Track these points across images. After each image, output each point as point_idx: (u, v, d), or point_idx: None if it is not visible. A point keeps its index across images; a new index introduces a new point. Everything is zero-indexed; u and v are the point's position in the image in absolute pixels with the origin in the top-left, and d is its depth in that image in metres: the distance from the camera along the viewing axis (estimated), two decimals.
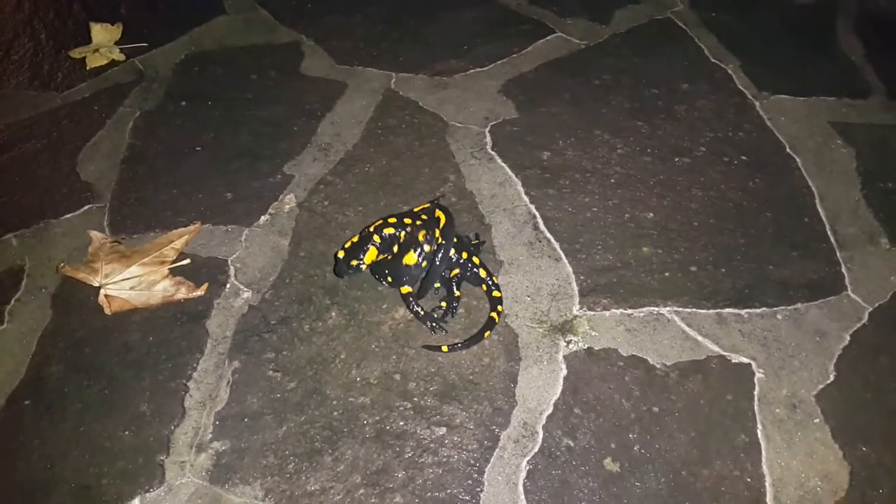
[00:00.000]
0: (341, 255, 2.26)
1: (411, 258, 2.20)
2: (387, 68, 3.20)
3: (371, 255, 2.26)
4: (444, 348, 2.15)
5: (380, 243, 2.27)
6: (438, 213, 2.29)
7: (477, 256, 2.30)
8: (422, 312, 2.21)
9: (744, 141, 2.82)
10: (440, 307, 2.27)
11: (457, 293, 2.26)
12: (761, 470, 1.91)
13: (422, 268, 2.23)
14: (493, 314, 2.20)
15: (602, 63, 3.20)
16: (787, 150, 2.78)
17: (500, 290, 2.25)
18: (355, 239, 2.30)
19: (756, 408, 2.03)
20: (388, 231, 2.28)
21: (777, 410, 2.03)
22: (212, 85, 3.18)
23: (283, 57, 3.30)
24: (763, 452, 1.94)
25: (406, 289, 2.23)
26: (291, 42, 3.39)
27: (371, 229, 2.30)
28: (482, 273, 2.26)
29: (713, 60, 3.20)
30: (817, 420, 2.01)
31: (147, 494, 1.92)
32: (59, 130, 3.01)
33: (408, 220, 2.27)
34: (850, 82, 3.09)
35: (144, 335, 2.26)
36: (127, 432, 2.05)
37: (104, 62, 3.32)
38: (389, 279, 2.24)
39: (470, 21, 3.48)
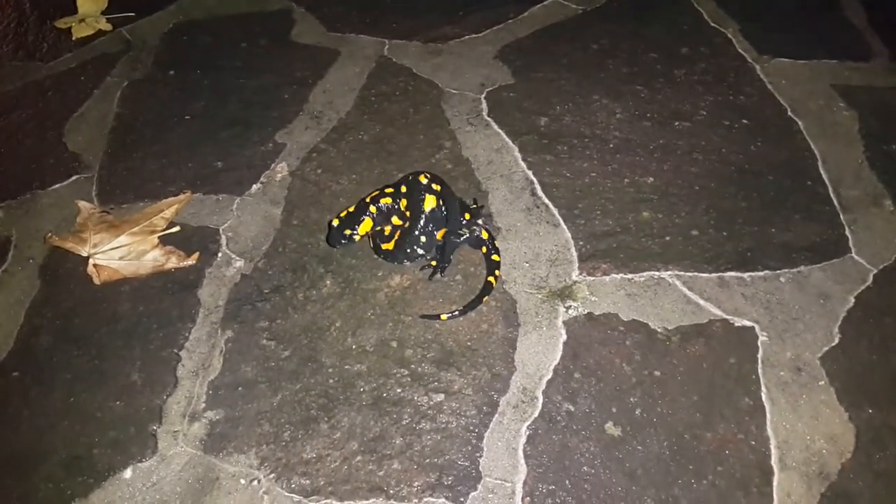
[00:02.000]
0: (336, 223, 2.21)
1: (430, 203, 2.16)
2: (380, 35, 3.13)
3: (366, 225, 2.22)
4: (444, 317, 2.11)
5: (376, 214, 2.23)
6: (422, 177, 2.23)
7: (479, 218, 2.25)
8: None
9: (744, 104, 2.77)
10: (429, 265, 2.23)
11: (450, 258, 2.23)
12: (766, 433, 1.88)
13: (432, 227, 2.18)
14: (491, 278, 2.15)
15: (600, 28, 3.13)
16: (789, 113, 2.73)
17: (499, 254, 2.20)
18: (351, 209, 2.25)
19: (760, 371, 1.99)
20: (385, 201, 2.23)
21: (781, 373, 1.99)
22: (201, 54, 3.11)
23: (274, 25, 3.23)
24: (767, 415, 1.91)
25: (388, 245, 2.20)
26: (282, 9, 3.31)
27: (367, 199, 2.25)
28: (484, 234, 2.21)
29: (712, 24, 3.13)
30: (822, 382, 1.98)
31: (140, 464, 1.89)
32: (46, 101, 2.94)
33: (404, 188, 2.22)
34: (851, 45, 3.03)
35: (134, 305, 2.21)
36: (118, 402, 2.01)
37: (90, 32, 3.25)
38: (406, 250, 2.19)
39: None
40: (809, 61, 2.94)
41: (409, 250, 2.18)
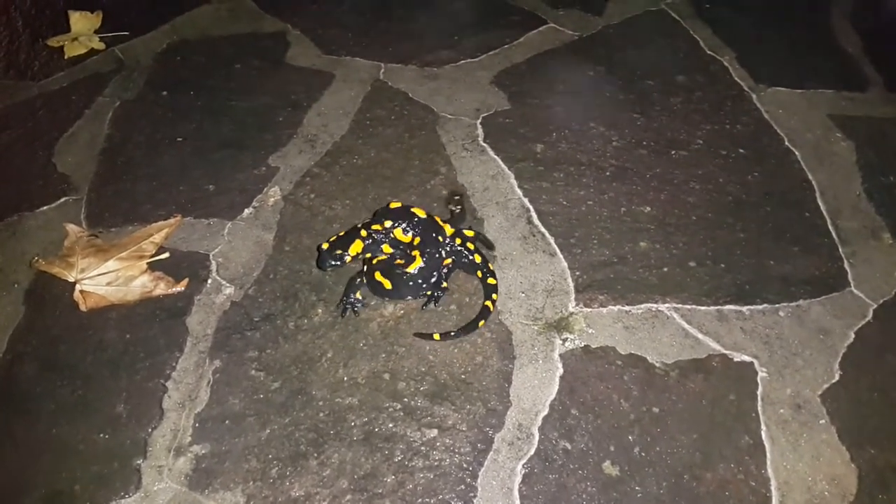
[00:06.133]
0: (325, 246, 2.17)
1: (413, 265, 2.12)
2: (375, 59, 3.11)
3: (356, 247, 2.17)
4: (437, 336, 2.07)
5: (366, 237, 2.18)
6: (416, 210, 2.20)
7: (472, 243, 2.22)
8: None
9: (741, 134, 2.76)
10: (424, 295, 2.18)
11: (444, 284, 2.18)
12: (766, 473, 1.84)
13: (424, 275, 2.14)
14: (488, 303, 2.11)
15: (595, 54, 3.12)
16: (786, 143, 2.72)
17: (495, 278, 2.17)
18: (342, 233, 2.21)
19: (760, 408, 1.96)
20: (376, 227, 2.19)
21: (781, 411, 1.96)
22: (194, 74, 3.07)
23: (268, 46, 3.20)
24: (768, 455, 1.87)
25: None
26: (277, 31, 3.29)
27: (359, 225, 2.21)
28: (477, 259, 2.18)
29: (709, 52, 3.13)
30: (823, 421, 1.94)
31: (122, 500, 1.83)
32: (36, 121, 2.90)
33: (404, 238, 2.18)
34: (847, 74, 3.03)
35: (121, 333, 2.16)
36: (102, 435, 1.95)
37: (83, 51, 3.22)
38: (389, 287, 2.14)
39: (460, 11, 3.40)
40: (806, 90, 2.94)
41: (412, 284, 2.14)
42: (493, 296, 2.14)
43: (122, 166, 2.68)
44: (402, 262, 2.15)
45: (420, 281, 2.13)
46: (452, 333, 2.08)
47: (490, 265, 2.20)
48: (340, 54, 3.14)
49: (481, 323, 2.09)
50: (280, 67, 3.09)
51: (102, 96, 2.99)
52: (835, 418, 1.94)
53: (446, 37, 3.22)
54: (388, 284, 2.12)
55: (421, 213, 2.18)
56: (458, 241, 2.21)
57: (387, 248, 2.21)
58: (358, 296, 2.18)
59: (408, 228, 2.15)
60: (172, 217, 2.46)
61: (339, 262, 2.17)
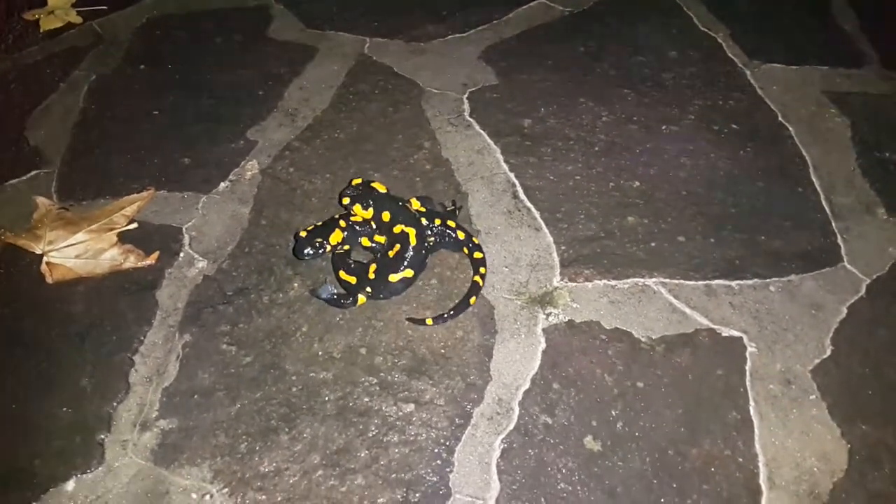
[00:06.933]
0: (304, 234, 2.07)
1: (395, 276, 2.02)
2: (360, 33, 3.03)
3: (336, 236, 2.07)
4: (429, 321, 1.99)
5: (346, 227, 2.10)
6: (377, 184, 2.11)
7: (452, 220, 2.14)
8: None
9: (734, 109, 2.68)
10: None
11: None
12: (754, 449, 1.77)
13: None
14: (477, 278, 2.04)
15: (586, 30, 3.04)
16: (780, 118, 2.64)
17: (481, 251, 2.10)
18: (319, 223, 2.12)
19: (748, 383, 1.89)
20: (357, 219, 2.10)
21: (770, 386, 1.89)
22: (173, 49, 2.99)
23: (251, 21, 3.12)
24: (756, 431, 1.80)
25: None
26: (259, 6, 3.20)
27: (337, 216, 2.13)
28: (460, 235, 2.10)
29: (702, 29, 3.05)
30: (813, 396, 1.87)
31: (84, 476, 1.76)
32: (8, 94, 2.82)
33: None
34: (843, 51, 2.95)
35: (88, 306, 2.08)
36: (65, 409, 1.88)
37: (59, 24, 3.12)
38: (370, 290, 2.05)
39: None
40: (801, 67, 2.87)
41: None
42: (482, 269, 2.07)
43: (96, 140, 2.60)
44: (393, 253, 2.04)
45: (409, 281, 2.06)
46: (446, 316, 2.00)
47: (475, 239, 2.13)
48: (324, 28, 3.05)
49: (472, 300, 2.02)
50: (262, 42, 3.01)
51: (78, 70, 2.90)
52: (826, 394, 1.87)
53: (434, 12, 3.13)
54: (372, 276, 2.04)
55: (381, 189, 2.09)
56: (437, 221, 2.12)
57: (365, 242, 2.14)
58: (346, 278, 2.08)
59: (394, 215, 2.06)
60: (145, 190, 2.38)
61: (317, 251, 2.08)
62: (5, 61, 2.95)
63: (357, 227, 2.11)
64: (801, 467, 1.74)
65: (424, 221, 2.09)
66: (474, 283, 2.05)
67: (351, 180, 2.13)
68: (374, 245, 2.13)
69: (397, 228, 2.04)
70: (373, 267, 2.04)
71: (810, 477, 1.73)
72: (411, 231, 2.02)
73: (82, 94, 2.79)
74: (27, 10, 3.14)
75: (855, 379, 1.91)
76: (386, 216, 2.05)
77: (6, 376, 1.96)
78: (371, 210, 2.05)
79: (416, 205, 2.15)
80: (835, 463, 1.75)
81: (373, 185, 2.10)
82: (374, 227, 2.11)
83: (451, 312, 2.00)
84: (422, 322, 2.00)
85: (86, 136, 2.62)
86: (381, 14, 3.14)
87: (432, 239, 2.12)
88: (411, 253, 2.01)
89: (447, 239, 2.13)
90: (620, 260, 2.16)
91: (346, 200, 2.06)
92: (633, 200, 2.35)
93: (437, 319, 2.00)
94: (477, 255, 2.09)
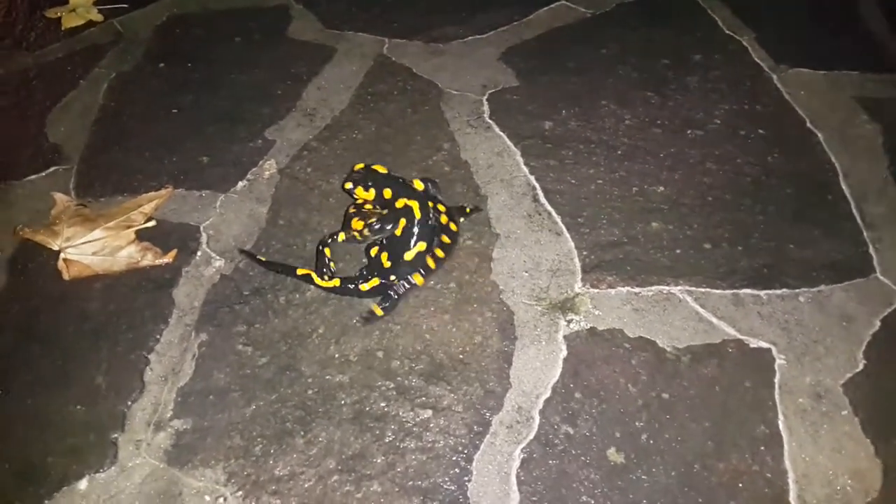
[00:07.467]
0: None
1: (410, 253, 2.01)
2: (379, 33, 3.00)
3: (356, 224, 2.06)
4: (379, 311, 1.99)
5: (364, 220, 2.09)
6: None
7: (444, 206, 2.13)
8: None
9: (761, 114, 2.62)
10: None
11: None
12: (783, 465, 1.71)
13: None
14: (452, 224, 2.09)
15: (609, 32, 3.00)
16: (808, 124, 2.58)
17: (457, 224, 2.15)
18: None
19: (777, 397, 1.83)
20: (368, 207, 2.09)
21: (800, 400, 1.83)
22: (193, 47, 2.98)
23: (270, 20, 3.10)
24: (785, 446, 1.74)
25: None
26: (279, 6, 3.19)
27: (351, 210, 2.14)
28: (443, 220, 2.09)
29: (727, 32, 3.00)
30: (845, 412, 1.81)
31: (96, 475, 1.74)
32: (29, 90, 2.82)
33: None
34: (872, 55, 2.88)
35: (104, 303, 2.07)
36: (79, 407, 1.86)
37: (81, 22, 3.14)
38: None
39: None
40: (829, 72, 2.80)
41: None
42: (445, 238, 2.07)
43: (115, 137, 2.59)
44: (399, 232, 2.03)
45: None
46: (388, 305, 1.99)
47: (452, 226, 2.12)
48: (343, 29, 3.03)
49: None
50: (281, 41, 2.99)
51: (99, 67, 2.90)
52: (858, 409, 1.81)
53: (454, 13, 3.10)
54: (387, 264, 2.02)
55: (382, 170, 2.10)
56: (430, 204, 2.08)
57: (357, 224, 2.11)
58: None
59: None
60: (163, 188, 2.36)
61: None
62: (27, 58, 2.96)
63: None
64: (833, 485, 1.68)
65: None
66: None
67: (353, 166, 2.11)
68: (377, 226, 2.07)
69: (400, 203, 2.02)
70: (384, 256, 2.02)
71: (843, 496, 1.66)
72: (414, 203, 2.00)
73: (102, 91, 2.79)
74: (49, 8, 3.15)
75: (889, 394, 1.84)
76: (388, 193, 2.04)
77: (21, 372, 1.94)
78: (372, 190, 2.05)
79: (419, 185, 2.11)
80: (868, 481, 1.69)
81: (374, 167, 2.10)
82: (378, 207, 2.10)
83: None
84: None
85: (105, 133, 2.61)
86: (400, 15, 3.11)
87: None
88: (418, 226, 1.98)
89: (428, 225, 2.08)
90: (644, 266, 2.11)
91: (347, 185, 2.07)
92: (657, 205, 2.30)
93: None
94: (452, 226, 2.11)
